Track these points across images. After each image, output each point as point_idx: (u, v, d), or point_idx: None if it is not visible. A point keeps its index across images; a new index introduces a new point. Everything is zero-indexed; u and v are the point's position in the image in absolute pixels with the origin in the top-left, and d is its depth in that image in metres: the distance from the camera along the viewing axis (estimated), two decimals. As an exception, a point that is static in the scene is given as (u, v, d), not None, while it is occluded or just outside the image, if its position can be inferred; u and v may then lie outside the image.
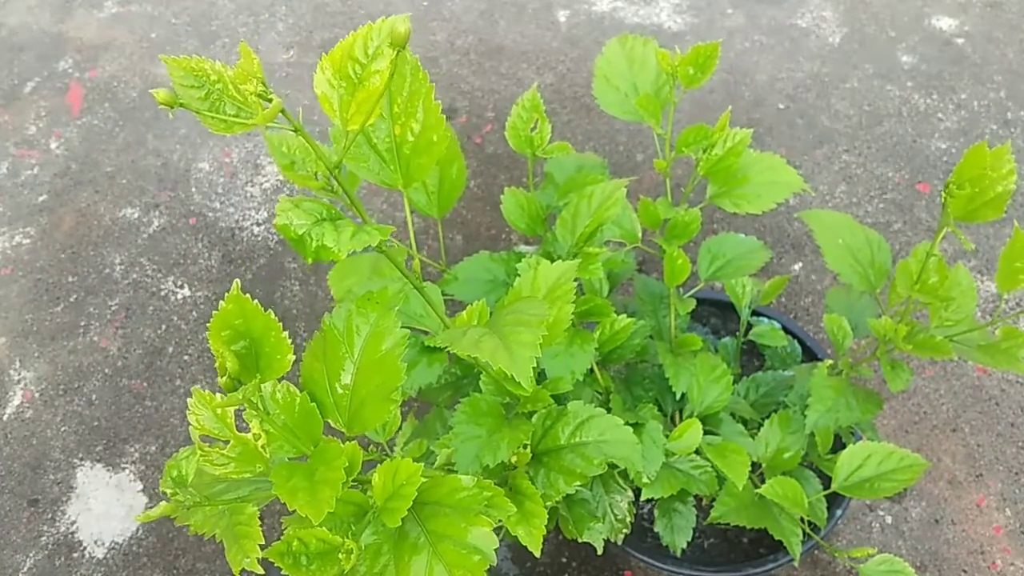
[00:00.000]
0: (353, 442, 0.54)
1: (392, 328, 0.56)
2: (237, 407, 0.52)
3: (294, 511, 0.49)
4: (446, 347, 0.65)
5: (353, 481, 0.55)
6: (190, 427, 0.51)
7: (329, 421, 0.57)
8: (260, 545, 0.52)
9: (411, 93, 0.53)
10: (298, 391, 0.55)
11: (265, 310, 0.52)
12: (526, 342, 0.51)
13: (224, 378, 0.50)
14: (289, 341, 0.52)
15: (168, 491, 0.54)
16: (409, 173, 0.56)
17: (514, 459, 0.66)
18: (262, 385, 0.54)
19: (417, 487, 0.53)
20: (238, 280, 0.53)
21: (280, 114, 0.43)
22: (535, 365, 0.51)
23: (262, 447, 0.51)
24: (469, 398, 0.67)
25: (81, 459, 1.31)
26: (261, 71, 0.42)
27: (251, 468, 0.51)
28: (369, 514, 0.55)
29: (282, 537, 0.52)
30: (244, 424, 0.53)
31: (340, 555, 0.52)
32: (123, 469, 1.30)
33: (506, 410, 0.69)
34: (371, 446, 0.70)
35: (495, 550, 0.53)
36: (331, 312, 0.58)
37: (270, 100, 0.42)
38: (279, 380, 0.54)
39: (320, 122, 1.68)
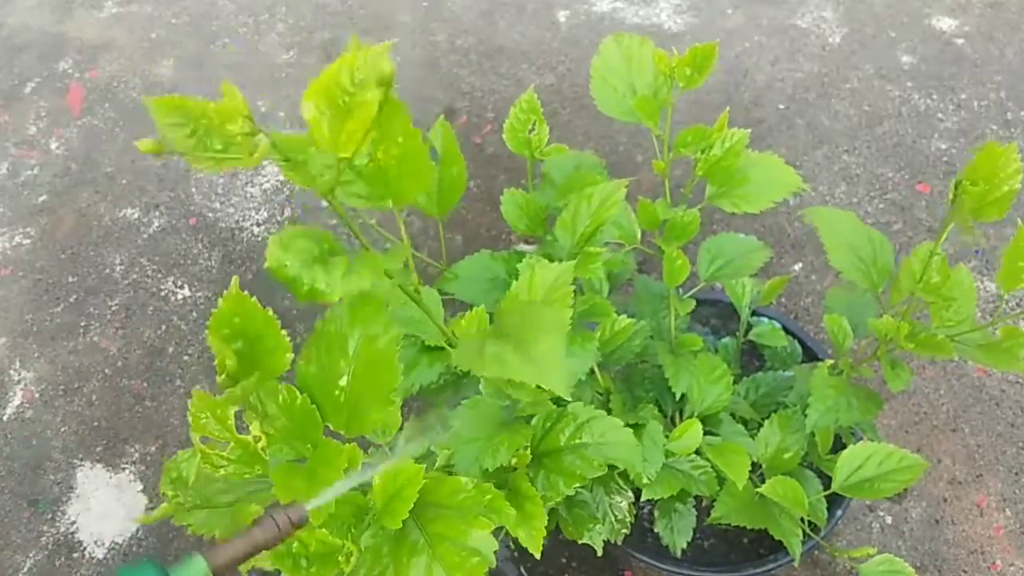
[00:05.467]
0: (353, 443, 0.54)
1: (386, 328, 0.55)
2: (237, 408, 0.52)
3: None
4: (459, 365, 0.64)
5: (353, 484, 0.55)
6: (190, 429, 0.51)
7: (328, 424, 0.56)
8: None
9: (387, 118, 0.51)
10: (298, 393, 0.55)
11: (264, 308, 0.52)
12: (550, 353, 0.49)
13: (223, 376, 0.50)
14: (288, 340, 0.52)
15: (168, 493, 0.53)
16: (399, 193, 0.54)
17: (514, 461, 0.66)
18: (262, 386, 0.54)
19: (417, 489, 0.53)
20: (236, 277, 0.53)
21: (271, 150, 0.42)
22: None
23: (262, 449, 0.51)
24: (469, 400, 0.67)
25: (81, 459, 1.31)
26: (247, 108, 0.41)
27: (251, 470, 0.51)
28: (369, 516, 0.55)
29: None
30: (244, 426, 0.53)
31: (340, 557, 0.52)
32: (123, 469, 1.30)
33: (506, 412, 0.69)
34: (371, 448, 0.70)
35: (494, 552, 0.53)
36: (324, 316, 0.57)
37: (257, 136, 0.42)
38: (279, 381, 0.54)
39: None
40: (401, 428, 0.63)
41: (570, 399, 0.50)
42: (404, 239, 0.58)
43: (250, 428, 0.51)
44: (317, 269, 0.46)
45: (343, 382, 0.56)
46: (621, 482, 0.81)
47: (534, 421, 0.69)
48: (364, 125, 0.43)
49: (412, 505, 0.52)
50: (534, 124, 0.83)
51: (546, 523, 0.63)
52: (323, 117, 0.44)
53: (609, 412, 0.70)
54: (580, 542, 0.78)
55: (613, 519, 0.81)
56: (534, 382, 0.48)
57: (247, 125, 0.42)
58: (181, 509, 0.53)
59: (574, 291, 0.67)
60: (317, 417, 0.55)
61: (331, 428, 0.57)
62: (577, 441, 0.68)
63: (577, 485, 0.67)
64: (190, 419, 0.50)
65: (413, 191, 0.54)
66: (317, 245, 0.47)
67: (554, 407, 0.69)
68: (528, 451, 0.68)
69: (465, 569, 0.53)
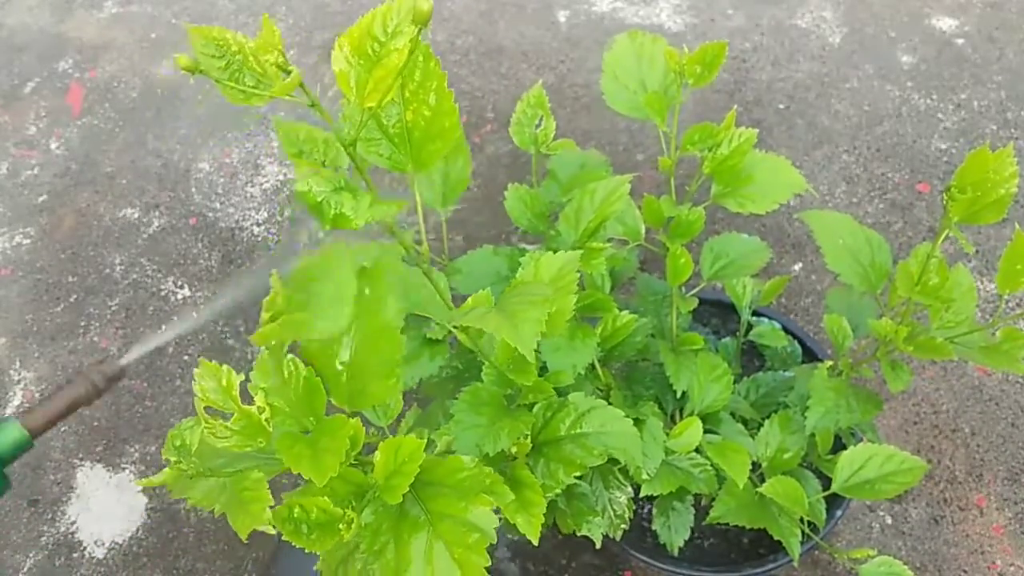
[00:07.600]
0: (356, 418, 0.55)
1: (389, 298, 0.56)
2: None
3: (297, 486, 0.49)
4: (447, 335, 0.65)
5: (354, 460, 0.56)
6: (195, 398, 0.51)
7: (332, 400, 0.57)
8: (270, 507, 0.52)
9: (423, 78, 0.54)
10: (303, 365, 0.55)
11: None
12: (531, 318, 0.52)
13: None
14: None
15: (171, 459, 0.53)
16: (420, 158, 0.56)
17: (514, 449, 0.66)
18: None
19: (419, 464, 0.53)
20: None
21: (299, 87, 0.43)
22: (537, 347, 0.51)
23: (266, 420, 0.51)
24: (471, 387, 0.67)
25: (81, 459, 1.31)
26: (281, 42, 0.43)
27: (254, 442, 0.51)
28: (370, 494, 0.56)
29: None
30: (248, 398, 0.53)
31: (340, 526, 0.52)
32: (123, 469, 1.30)
33: (507, 401, 0.69)
34: (372, 429, 0.70)
35: (495, 529, 0.53)
36: None
37: (289, 72, 0.43)
38: (287, 352, 0.55)
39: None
40: (403, 414, 0.63)
41: (532, 373, 0.52)
42: (418, 201, 0.59)
43: (255, 400, 0.51)
44: (344, 195, 0.47)
45: (345, 356, 0.56)
46: (620, 477, 0.81)
47: (535, 410, 0.69)
48: (392, 73, 0.45)
49: (412, 480, 0.53)
50: (541, 119, 0.83)
51: (544, 511, 0.63)
52: (351, 68, 0.46)
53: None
54: (579, 534, 0.78)
55: (612, 514, 0.81)
56: (504, 335, 0.51)
57: (280, 57, 0.43)
58: (183, 476, 0.53)
59: (577, 283, 0.67)
60: (322, 390, 0.56)
61: (333, 405, 0.57)
62: (577, 430, 0.68)
63: (577, 474, 0.67)
64: (195, 388, 0.50)
65: (438, 152, 0.56)
66: (343, 179, 0.49)
67: (555, 396, 0.70)
68: (528, 440, 0.68)
69: (465, 545, 0.53)
